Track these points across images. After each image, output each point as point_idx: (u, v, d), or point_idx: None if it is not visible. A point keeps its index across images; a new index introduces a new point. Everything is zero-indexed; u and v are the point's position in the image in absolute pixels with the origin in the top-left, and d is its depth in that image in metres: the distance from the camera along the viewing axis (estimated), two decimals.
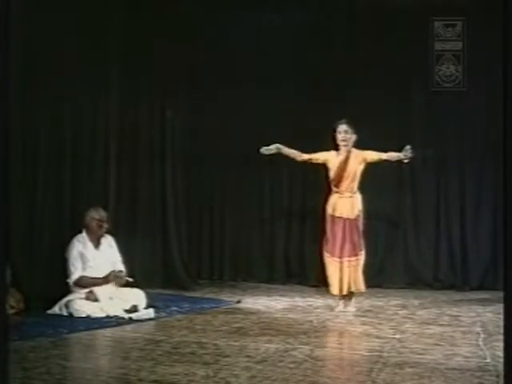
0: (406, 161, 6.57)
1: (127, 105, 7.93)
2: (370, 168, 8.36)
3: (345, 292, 6.59)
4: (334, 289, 6.61)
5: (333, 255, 6.60)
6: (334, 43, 8.50)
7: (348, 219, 6.59)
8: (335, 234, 6.60)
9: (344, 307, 6.61)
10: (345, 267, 6.55)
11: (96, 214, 6.56)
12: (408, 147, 6.40)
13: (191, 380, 3.93)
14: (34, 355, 4.51)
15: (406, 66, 8.29)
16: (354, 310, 6.62)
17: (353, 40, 8.40)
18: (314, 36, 8.57)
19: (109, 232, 6.70)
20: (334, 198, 6.68)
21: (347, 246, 6.56)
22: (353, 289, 6.60)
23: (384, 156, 6.62)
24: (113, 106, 7.72)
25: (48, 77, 6.79)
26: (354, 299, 6.70)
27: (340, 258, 6.56)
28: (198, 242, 9.20)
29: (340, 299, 6.67)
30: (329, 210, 6.68)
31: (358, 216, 6.64)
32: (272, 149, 6.74)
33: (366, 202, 7.40)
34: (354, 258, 6.58)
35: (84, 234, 6.55)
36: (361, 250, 6.64)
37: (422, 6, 7.96)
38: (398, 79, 8.40)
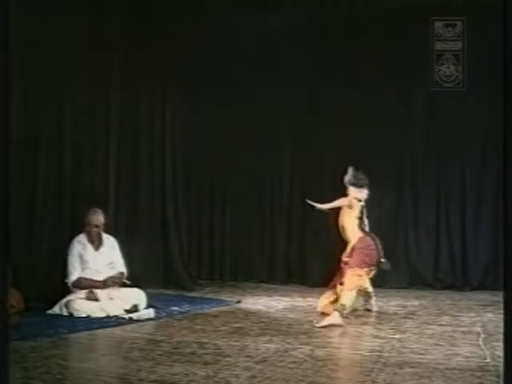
0: None
1: (127, 105, 7.93)
2: (371, 169, 8.42)
3: None
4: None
5: None
6: (334, 43, 8.50)
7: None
8: None
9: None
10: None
11: (90, 219, 6.53)
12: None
13: (191, 380, 3.93)
14: (34, 355, 4.51)
15: (406, 66, 8.29)
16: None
17: (353, 40, 8.41)
18: (314, 36, 8.57)
19: (110, 233, 6.71)
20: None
21: None
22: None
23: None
24: (113, 105, 7.72)
25: (48, 76, 6.79)
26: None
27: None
28: (198, 242, 9.21)
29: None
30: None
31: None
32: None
33: (367, 202, 7.38)
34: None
35: (84, 235, 6.55)
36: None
37: (422, 6, 7.98)
38: (398, 79, 8.40)
